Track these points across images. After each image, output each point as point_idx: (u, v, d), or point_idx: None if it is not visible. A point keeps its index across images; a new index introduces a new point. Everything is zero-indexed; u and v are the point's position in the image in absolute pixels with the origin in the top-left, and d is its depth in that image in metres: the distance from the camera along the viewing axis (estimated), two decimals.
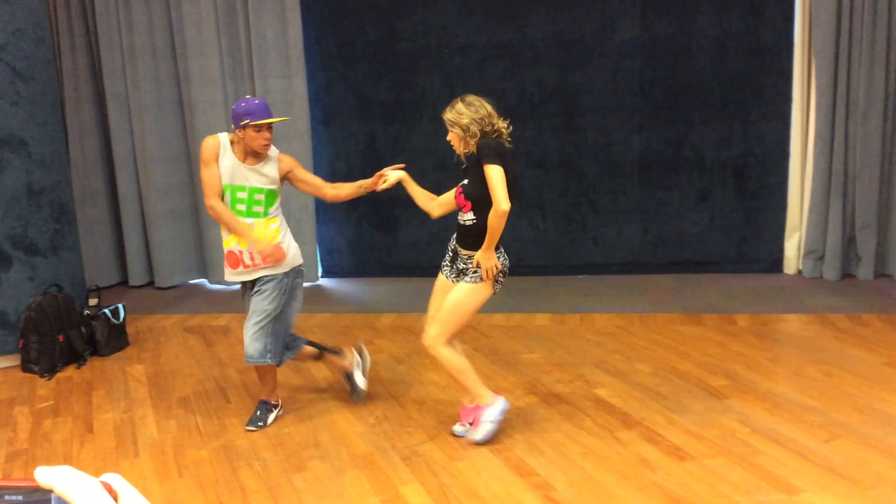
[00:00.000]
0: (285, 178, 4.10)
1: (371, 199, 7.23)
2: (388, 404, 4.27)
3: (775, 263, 6.81)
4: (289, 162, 4.11)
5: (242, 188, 3.97)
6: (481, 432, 3.79)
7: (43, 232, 5.25)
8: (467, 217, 3.70)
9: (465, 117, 3.65)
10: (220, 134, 4.06)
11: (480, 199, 3.61)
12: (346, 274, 7.32)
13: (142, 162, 7.07)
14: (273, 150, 4.06)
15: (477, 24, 6.82)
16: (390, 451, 3.77)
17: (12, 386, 4.90)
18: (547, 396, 4.34)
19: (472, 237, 3.69)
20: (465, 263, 3.78)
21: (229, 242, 4.02)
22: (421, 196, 4.01)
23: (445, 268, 3.92)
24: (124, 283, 7.43)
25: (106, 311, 5.43)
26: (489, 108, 3.69)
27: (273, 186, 4.03)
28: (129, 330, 5.72)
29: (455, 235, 3.84)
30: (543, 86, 6.85)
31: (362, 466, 3.63)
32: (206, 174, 3.98)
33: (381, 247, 7.30)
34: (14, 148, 5.08)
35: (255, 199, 3.99)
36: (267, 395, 4.20)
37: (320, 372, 4.87)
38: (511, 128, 3.75)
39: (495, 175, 3.51)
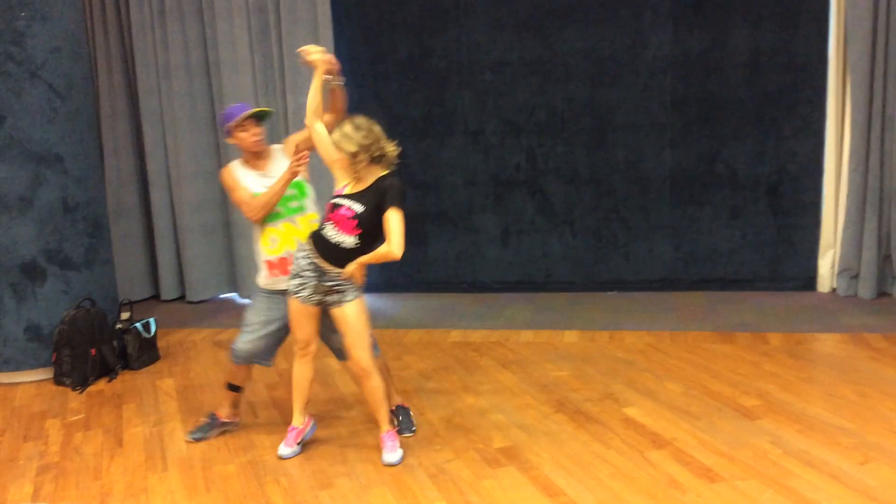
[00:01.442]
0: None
1: None
2: (416, 421, 4.25)
3: (809, 281, 6.71)
4: (290, 142, 4.11)
5: None
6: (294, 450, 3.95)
7: (77, 246, 5.33)
8: (351, 240, 3.66)
9: (353, 144, 3.61)
10: (229, 164, 4.14)
11: (372, 229, 3.65)
12: (375, 289, 7.31)
13: (175, 178, 7.16)
14: (275, 146, 4.10)
15: (508, 41, 6.83)
16: (417, 469, 3.75)
17: (45, 399, 4.96)
18: (575, 415, 4.30)
19: (349, 259, 3.68)
20: (335, 280, 3.72)
21: (278, 250, 4.01)
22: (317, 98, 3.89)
23: (302, 295, 3.78)
24: (156, 297, 7.52)
25: (137, 325, 5.49)
26: (377, 130, 3.68)
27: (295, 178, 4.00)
28: (160, 344, 5.77)
29: (315, 258, 3.72)
30: (574, 102, 6.84)
31: (389, 483, 3.62)
32: (238, 192, 4.03)
33: (410, 262, 7.25)
34: (50, 164, 5.18)
35: (288, 197, 3.97)
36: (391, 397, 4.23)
37: (348, 387, 4.87)
38: (399, 150, 3.76)
39: (399, 221, 3.58)
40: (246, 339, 4.07)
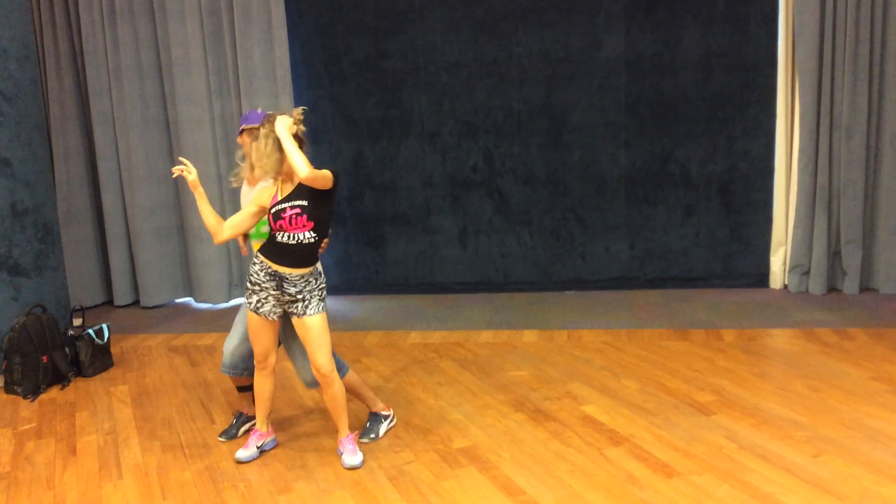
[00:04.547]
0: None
1: (359, 217, 7.25)
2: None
3: (761, 278, 6.84)
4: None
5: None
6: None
7: (27, 252, 5.22)
8: (308, 234, 3.64)
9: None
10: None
11: (321, 217, 3.65)
12: (334, 291, 7.29)
13: (127, 181, 7.04)
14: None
15: (464, 42, 6.85)
16: (377, 471, 3.74)
17: None
18: (534, 413, 4.32)
19: (310, 254, 3.69)
20: (297, 286, 3.70)
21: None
22: (211, 215, 3.81)
23: (264, 310, 3.76)
24: (109, 302, 7.39)
25: (90, 331, 5.39)
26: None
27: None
28: (114, 350, 5.68)
29: (277, 267, 3.67)
30: (530, 103, 6.88)
31: (348, 487, 3.61)
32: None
33: (368, 264, 7.29)
34: None
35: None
36: (372, 405, 4.21)
37: (307, 392, 4.84)
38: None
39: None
40: (230, 346, 4.04)
